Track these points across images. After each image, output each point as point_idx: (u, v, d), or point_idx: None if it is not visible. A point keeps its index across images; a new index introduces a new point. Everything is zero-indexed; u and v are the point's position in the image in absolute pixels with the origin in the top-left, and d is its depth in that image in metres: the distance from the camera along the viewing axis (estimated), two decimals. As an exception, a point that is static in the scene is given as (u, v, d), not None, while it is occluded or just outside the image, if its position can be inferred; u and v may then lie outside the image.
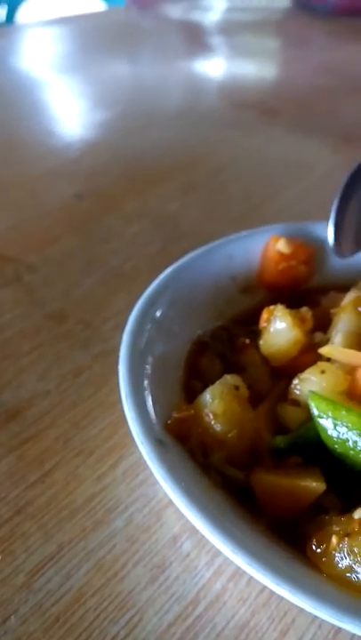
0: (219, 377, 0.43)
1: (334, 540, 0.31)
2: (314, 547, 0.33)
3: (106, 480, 0.44)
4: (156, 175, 0.84)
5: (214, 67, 1.39)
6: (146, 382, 0.41)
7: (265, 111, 1.08)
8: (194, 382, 0.45)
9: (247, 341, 0.47)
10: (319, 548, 0.32)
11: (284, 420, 0.40)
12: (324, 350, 0.41)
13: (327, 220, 0.63)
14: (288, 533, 0.35)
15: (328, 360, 0.41)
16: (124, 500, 0.42)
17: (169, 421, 0.38)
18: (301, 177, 0.87)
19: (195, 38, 1.59)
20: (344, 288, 0.50)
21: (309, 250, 0.55)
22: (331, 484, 0.37)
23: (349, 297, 0.46)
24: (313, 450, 0.38)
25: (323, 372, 0.39)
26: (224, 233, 0.59)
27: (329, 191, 0.85)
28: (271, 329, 0.44)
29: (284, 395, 0.42)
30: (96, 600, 0.37)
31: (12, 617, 0.36)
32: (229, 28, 1.69)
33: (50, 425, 0.47)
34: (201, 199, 0.80)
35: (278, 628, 0.36)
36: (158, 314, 0.46)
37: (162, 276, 0.49)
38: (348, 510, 0.34)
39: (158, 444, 0.36)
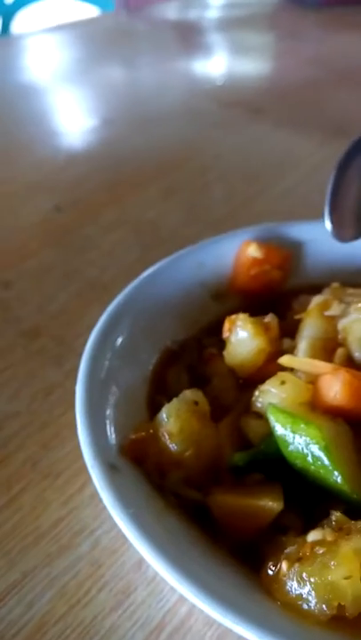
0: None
1: (285, 565, 0.30)
2: (268, 570, 0.31)
3: (73, 503, 0.43)
4: (135, 181, 0.83)
5: (200, 67, 1.37)
6: (108, 409, 0.40)
7: (252, 109, 1.06)
8: (159, 398, 0.43)
9: (214, 351, 0.45)
10: (273, 572, 0.31)
11: (246, 433, 0.39)
12: (282, 361, 0.39)
13: (310, 217, 0.61)
14: (248, 555, 0.34)
15: (292, 369, 0.40)
16: (90, 524, 0.41)
17: (123, 443, 0.37)
18: (287, 174, 0.85)
19: (185, 38, 1.57)
20: (318, 290, 0.49)
21: (283, 253, 0.54)
22: (293, 501, 0.35)
23: (316, 301, 0.44)
24: (275, 465, 0.36)
25: (283, 382, 0.38)
26: (205, 236, 0.58)
27: (315, 187, 0.83)
28: (233, 339, 0.43)
29: (249, 407, 0.40)
30: (58, 628, 0.36)
31: (-28, 650, 0.35)
32: (219, 26, 1.68)
33: (19, 447, 0.47)
34: (182, 203, 0.79)
35: (245, 653, 0.35)
36: (120, 337, 0.45)
37: (124, 292, 0.48)
38: (308, 531, 0.33)
39: (109, 469, 0.34)
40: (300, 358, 0.39)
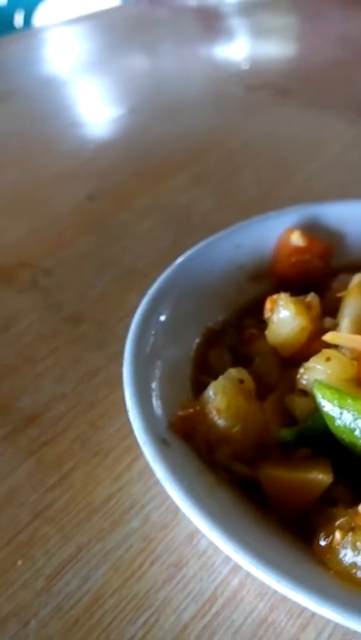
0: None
1: (338, 534, 0.31)
2: (321, 541, 0.32)
3: (122, 480, 0.44)
4: (166, 168, 0.83)
5: (223, 52, 1.36)
6: (154, 383, 0.41)
7: (278, 91, 1.06)
8: (203, 377, 0.44)
9: (255, 332, 0.46)
10: (325, 542, 0.32)
11: (292, 411, 0.40)
12: (327, 337, 0.40)
13: (342, 198, 0.61)
14: (298, 527, 0.35)
15: (335, 347, 0.41)
16: (140, 499, 0.43)
17: (173, 420, 0.38)
18: (316, 156, 0.85)
19: (206, 24, 1.56)
20: (358, 269, 0.49)
21: (326, 244, 0.54)
22: (342, 475, 0.36)
23: (356, 279, 0.45)
24: (322, 440, 0.37)
25: (328, 359, 0.38)
26: (237, 220, 0.58)
27: (346, 167, 0.83)
28: (275, 318, 0.43)
29: (293, 385, 0.41)
30: (114, 601, 0.37)
31: (33, 621, 0.36)
32: (240, 10, 1.66)
33: (67, 427, 0.48)
34: (213, 188, 0.79)
35: (297, 623, 0.36)
36: (163, 316, 0.45)
37: (165, 274, 0.49)
38: (359, 502, 0.33)
39: (161, 444, 0.35)
40: (345, 334, 0.40)
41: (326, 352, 0.39)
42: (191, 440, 0.37)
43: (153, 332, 0.44)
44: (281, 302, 0.43)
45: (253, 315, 0.50)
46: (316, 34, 1.39)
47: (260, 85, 1.08)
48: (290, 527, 0.35)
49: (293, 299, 0.43)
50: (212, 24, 1.55)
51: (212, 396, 0.38)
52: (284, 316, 0.43)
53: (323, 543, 0.32)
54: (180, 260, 0.50)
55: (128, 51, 1.37)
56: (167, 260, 0.55)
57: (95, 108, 1.09)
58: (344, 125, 0.92)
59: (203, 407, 0.38)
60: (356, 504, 0.33)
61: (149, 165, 0.84)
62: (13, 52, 1.39)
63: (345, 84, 1.07)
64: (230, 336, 0.48)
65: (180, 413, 0.38)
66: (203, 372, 0.45)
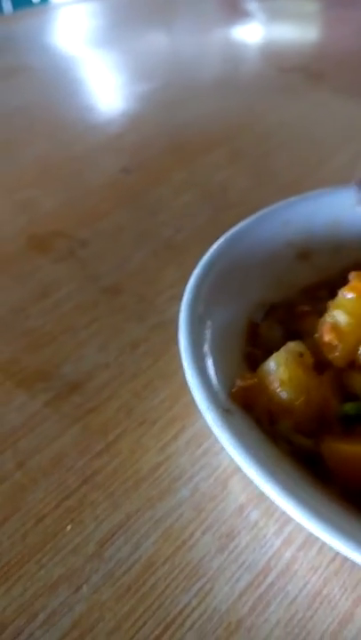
0: (279, 345, 0.42)
1: None
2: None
3: (169, 449, 0.43)
4: (201, 145, 0.82)
5: (254, 31, 1.35)
6: (206, 348, 0.40)
7: (310, 74, 1.05)
8: (254, 350, 0.44)
9: (307, 308, 0.45)
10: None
11: (351, 387, 0.39)
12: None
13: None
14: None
15: None
16: (188, 470, 0.42)
17: (234, 390, 0.37)
18: (352, 139, 0.84)
19: (232, 3, 1.54)
20: None
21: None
22: None
23: None
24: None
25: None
26: (274, 200, 0.58)
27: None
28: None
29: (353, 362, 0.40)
30: (166, 569, 0.37)
31: (84, 586, 0.36)
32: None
33: (111, 396, 0.47)
34: (248, 167, 0.78)
35: (351, 597, 0.36)
36: (216, 280, 0.45)
37: (217, 244, 0.48)
38: None
39: (224, 412, 0.35)
40: None
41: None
42: (252, 411, 0.37)
43: (205, 294, 0.43)
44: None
45: (303, 292, 0.49)
46: (344, 20, 1.37)
47: (292, 68, 1.07)
48: (352, 502, 0.35)
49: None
50: (240, 3, 1.53)
51: (274, 367, 0.38)
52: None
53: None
54: (230, 232, 0.49)
55: (154, 28, 1.35)
56: (205, 236, 0.54)
57: (124, 83, 1.08)
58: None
59: (262, 379, 0.38)
60: None
61: (183, 142, 0.83)
62: (36, 26, 1.37)
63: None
64: (280, 312, 0.47)
65: (242, 384, 0.37)
66: (254, 345, 0.44)
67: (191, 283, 0.44)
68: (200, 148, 0.82)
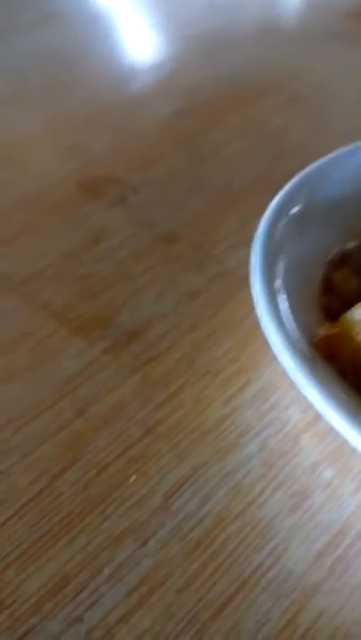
0: (355, 295, 0.40)
1: None
2: None
3: (235, 403, 0.41)
4: (255, 91, 0.77)
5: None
6: (281, 293, 0.37)
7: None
8: (331, 300, 0.41)
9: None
10: None
11: None
12: None
13: None
14: None
15: None
16: (255, 425, 0.40)
17: (316, 339, 0.34)
18: None
19: None
20: None
21: None
22: None
23: None
24: None
25: None
26: (336, 148, 0.53)
27: None
28: None
29: None
30: (237, 526, 0.35)
31: (151, 540, 0.34)
32: None
33: (171, 346, 0.45)
34: (306, 114, 0.74)
35: None
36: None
37: (300, 175, 0.44)
38: None
39: (307, 360, 0.32)
40: None
41: None
42: (335, 362, 0.34)
43: (277, 245, 0.40)
44: None
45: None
46: None
47: (351, 13, 1.01)
48: None
49: None
50: None
51: (357, 318, 0.34)
52: None
53: None
54: (308, 168, 0.46)
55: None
56: (264, 184, 0.51)
57: (165, 28, 1.03)
58: None
59: (346, 329, 0.35)
60: None
61: (236, 86, 0.79)
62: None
63: None
64: (357, 260, 0.44)
65: (324, 333, 0.34)
66: (329, 293, 0.41)
67: (268, 211, 0.41)
68: (254, 93, 0.77)
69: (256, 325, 0.36)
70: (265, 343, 0.35)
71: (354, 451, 0.35)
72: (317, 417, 0.39)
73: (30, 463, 0.37)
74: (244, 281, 0.39)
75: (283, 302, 0.37)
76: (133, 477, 0.37)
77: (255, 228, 0.42)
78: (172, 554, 0.34)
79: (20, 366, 0.44)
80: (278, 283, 0.39)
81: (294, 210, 0.44)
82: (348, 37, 0.92)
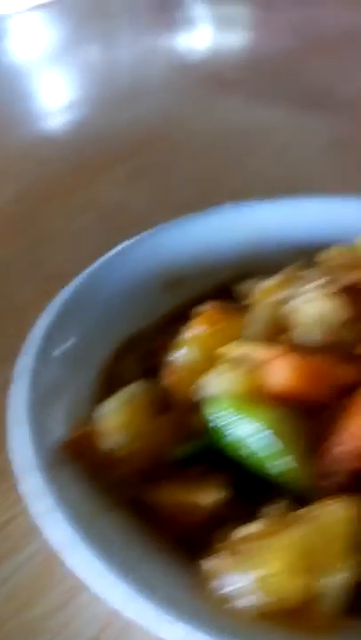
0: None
1: (218, 559, 0.30)
2: (205, 564, 0.31)
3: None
4: (103, 163, 0.81)
5: (168, 41, 1.33)
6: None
7: (224, 82, 1.04)
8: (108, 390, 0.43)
9: (163, 342, 0.44)
10: (208, 566, 0.30)
11: (193, 425, 0.38)
12: (228, 349, 0.38)
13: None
14: (195, 548, 0.33)
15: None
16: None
17: (64, 442, 0.36)
18: (259, 148, 0.83)
19: (160, 12, 1.53)
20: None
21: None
22: (240, 491, 0.35)
23: (264, 285, 0.43)
24: (221, 455, 0.36)
25: (225, 371, 0.37)
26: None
27: (290, 162, 0.81)
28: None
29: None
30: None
31: None
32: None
33: None
34: (151, 184, 0.77)
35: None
36: (67, 337, 0.44)
37: (73, 284, 0.47)
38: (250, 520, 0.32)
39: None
40: (246, 344, 0.38)
41: (223, 364, 0.38)
42: (82, 461, 0.36)
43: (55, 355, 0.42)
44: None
45: (166, 325, 0.48)
46: (266, 23, 1.36)
47: (208, 77, 1.07)
48: (186, 548, 0.34)
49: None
50: (166, 12, 1.52)
51: (107, 413, 0.37)
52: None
53: (207, 566, 0.30)
54: (87, 270, 0.48)
55: (85, 39, 1.33)
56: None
57: (45, 99, 1.06)
58: (289, 117, 0.91)
59: (98, 425, 0.37)
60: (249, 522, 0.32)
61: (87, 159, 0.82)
62: None
63: (293, 75, 1.05)
64: (142, 346, 0.46)
65: (71, 435, 0.36)
66: (112, 385, 0.43)
67: (37, 329, 0.43)
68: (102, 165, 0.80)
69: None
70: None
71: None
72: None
73: None
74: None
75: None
76: None
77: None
78: None
79: None
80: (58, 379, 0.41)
81: (78, 305, 0.46)
82: (201, 103, 0.97)
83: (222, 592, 0.29)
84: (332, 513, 0.30)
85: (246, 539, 0.30)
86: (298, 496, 0.33)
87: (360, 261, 0.45)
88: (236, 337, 0.40)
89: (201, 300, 0.45)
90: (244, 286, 0.46)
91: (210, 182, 0.77)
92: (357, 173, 0.75)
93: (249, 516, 0.34)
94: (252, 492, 0.35)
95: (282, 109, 0.94)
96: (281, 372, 0.35)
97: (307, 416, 0.35)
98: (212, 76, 1.06)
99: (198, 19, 1.49)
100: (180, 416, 0.39)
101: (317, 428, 0.35)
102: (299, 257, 0.50)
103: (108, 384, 0.43)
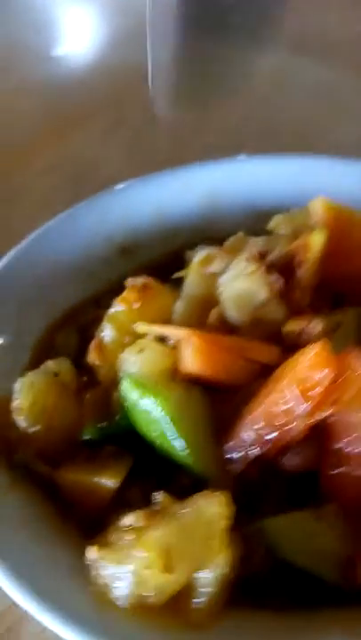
0: (74, 354, 0.41)
1: (95, 550, 0.29)
2: (87, 554, 0.30)
3: None
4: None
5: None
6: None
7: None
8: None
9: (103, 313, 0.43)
10: (89, 556, 0.30)
11: (111, 405, 0.37)
12: (139, 329, 0.37)
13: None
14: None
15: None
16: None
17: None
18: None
19: None
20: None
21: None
22: (145, 474, 0.34)
23: (198, 257, 0.41)
24: (131, 437, 0.35)
25: (141, 350, 0.36)
26: None
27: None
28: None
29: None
30: None
31: None
32: None
33: None
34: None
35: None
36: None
37: (14, 250, 0.45)
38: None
39: None
40: (156, 326, 0.37)
41: (140, 342, 0.36)
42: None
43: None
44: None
45: (116, 293, 0.46)
46: None
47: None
48: (89, 530, 0.33)
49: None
50: None
51: (17, 392, 0.36)
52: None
53: (87, 556, 0.30)
54: (29, 237, 0.46)
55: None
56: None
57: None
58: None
59: (5, 404, 0.36)
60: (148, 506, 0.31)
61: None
62: None
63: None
64: (84, 316, 0.45)
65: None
66: (48, 356, 0.42)
67: None
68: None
69: None
70: None
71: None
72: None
73: None
74: None
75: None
76: None
77: None
78: None
79: None
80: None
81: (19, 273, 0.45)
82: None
83: (100, 582, 0.29)
84: (205, 508, 0.29)
85: (125, 530, 0.29)
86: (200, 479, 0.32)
87: (306, 228, 0.42)
88: (161, 314, 0.39)
89: (152, 268, 0.43)
90: (191, 254, 0.44)
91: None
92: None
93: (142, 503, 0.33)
94: (160, 473, 0.34)
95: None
96: (187, 354, 0.33)
97: (219, 398, 0.34)
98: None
99: None
100: (101, 394, 0.38)
101: (227, 412, 0.33)
102: (257, 222, 0.48)
103: (40, 357, 0.42)
